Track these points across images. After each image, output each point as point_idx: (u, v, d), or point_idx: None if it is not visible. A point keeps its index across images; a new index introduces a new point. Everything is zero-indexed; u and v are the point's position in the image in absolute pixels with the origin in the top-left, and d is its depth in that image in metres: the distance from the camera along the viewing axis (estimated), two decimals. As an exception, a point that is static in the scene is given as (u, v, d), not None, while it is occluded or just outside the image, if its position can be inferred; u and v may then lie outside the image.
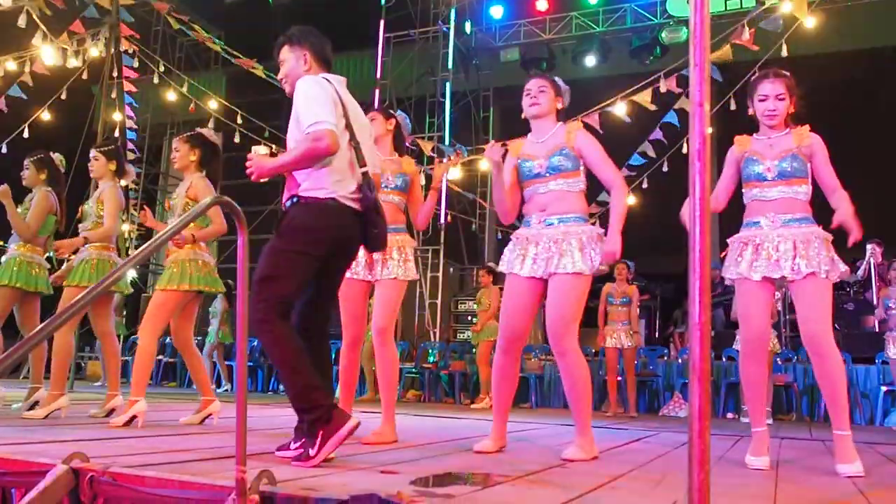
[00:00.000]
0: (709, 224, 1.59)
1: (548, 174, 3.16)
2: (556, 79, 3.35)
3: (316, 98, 2.60)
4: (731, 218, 3.25)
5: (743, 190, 3.14)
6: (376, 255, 3.51)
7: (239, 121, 10.13)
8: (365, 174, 2.71)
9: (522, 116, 3.32)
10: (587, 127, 8.21)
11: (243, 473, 1.74)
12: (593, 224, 3.18)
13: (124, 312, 10.12)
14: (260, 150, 2.71)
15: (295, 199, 2.68)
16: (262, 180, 2.69)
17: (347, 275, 3.48)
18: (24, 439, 2.78)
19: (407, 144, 3.76)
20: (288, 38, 2.83)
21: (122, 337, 10.03)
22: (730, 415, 7.90)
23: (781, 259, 2.93)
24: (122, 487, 1.99)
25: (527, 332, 3.27)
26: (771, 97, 3.07)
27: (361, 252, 3.44)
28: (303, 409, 2.54)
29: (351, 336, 3.57)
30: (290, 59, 2.80)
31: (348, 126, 2.71)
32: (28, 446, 2.55)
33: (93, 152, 4.51)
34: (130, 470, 2.05)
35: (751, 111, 3.16)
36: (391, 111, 3.80)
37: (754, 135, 3.17)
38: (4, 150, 9.98)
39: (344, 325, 3.57)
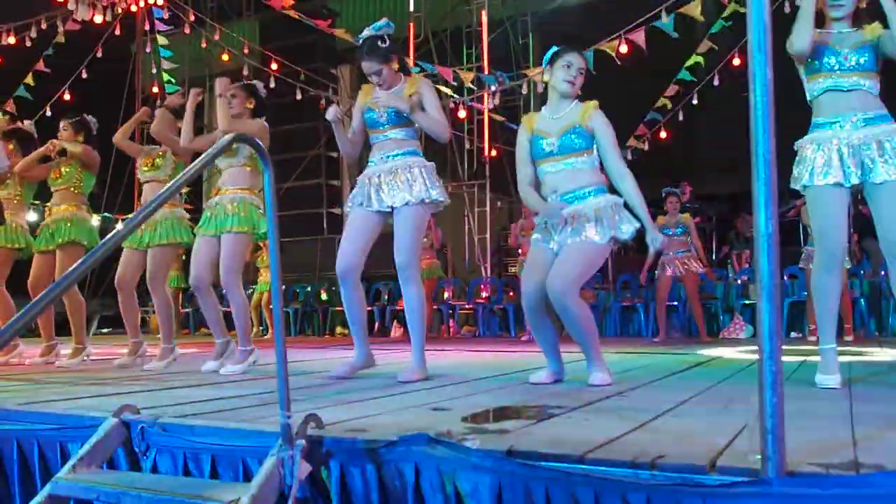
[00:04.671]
0: (773, 126, 1.42)
1: (559, 154, 3.09)
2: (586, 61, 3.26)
3: None
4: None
5: (808, 84, 2.91)
6: (375, 181, 3.39)
7: (274, 66, 10.00)
8: None
9: (548, 84, 3.21)
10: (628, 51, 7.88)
11: (288, 419, 1.69)
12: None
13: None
14: None
15: None
16: None
17: (353, 207, 3.45)
18: (76, 394, 2.80)
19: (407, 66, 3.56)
20: None
21: (181, 289, 10.22)
22: (793, 334, 7.69)
23: (866, 162, 2.73)
24: (172, 437, 1.98)
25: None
26: None
27: (370, 181, 3.40)
28: None
29: (341, 266, 3.40)
30: None
31: None
32: (81, 401, 2.57)
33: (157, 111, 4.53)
34: (179, 420, 2.04)
35: (818, 5, 2.91)
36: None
37: (818, 30, 2.91)
38: (49, 113, 10.11)
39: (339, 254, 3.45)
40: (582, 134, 3.05)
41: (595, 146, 3.09)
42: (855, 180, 2.75)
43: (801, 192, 2.91)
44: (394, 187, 3.35)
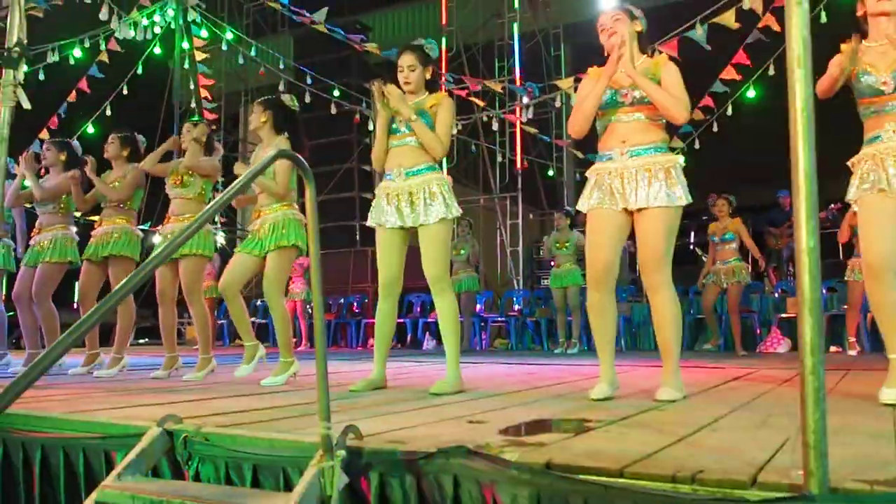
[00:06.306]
0: (813, 140, 1.42)
1: (631, 104, 3.00)
2: (628, 6, 3.15)
3: None
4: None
5: (859, 108, 2.90)
6: (394, 199, 3.42)
7: (309, 81, 10.14)
8: None
9: (605, 54, 3.12)
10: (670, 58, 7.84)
11: (328, 430, 1.71)
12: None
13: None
14: None
15: None
16: None
17: (378, 223, 3.48)
18: (118, 403, 2.86)
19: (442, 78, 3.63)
20: None
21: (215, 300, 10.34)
22: (833, 348, 7.54)
23: None
24: (214, 447, 2.02)
25: (616, 265, 3.10)
26: None
27: (388, 199, 3.44)
28: None
29: (385, 280, 3.50)
30: None
31: None
32: (125, 410, 2.62)
33: (187, 126, 4.64)
34: (221, 430, 2.07)
35: (860, 12, 2.86)
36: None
37: (863, 42, 2.87)
38: (91, 129, 10.36)
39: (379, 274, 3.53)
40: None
41: None
42: None
43: (851, 205, 2.90)
44: (416, 208, 3.39)
